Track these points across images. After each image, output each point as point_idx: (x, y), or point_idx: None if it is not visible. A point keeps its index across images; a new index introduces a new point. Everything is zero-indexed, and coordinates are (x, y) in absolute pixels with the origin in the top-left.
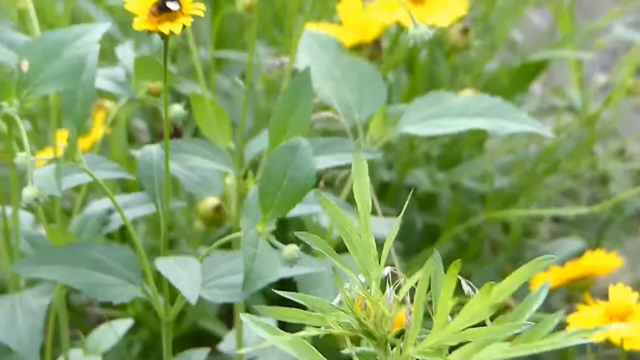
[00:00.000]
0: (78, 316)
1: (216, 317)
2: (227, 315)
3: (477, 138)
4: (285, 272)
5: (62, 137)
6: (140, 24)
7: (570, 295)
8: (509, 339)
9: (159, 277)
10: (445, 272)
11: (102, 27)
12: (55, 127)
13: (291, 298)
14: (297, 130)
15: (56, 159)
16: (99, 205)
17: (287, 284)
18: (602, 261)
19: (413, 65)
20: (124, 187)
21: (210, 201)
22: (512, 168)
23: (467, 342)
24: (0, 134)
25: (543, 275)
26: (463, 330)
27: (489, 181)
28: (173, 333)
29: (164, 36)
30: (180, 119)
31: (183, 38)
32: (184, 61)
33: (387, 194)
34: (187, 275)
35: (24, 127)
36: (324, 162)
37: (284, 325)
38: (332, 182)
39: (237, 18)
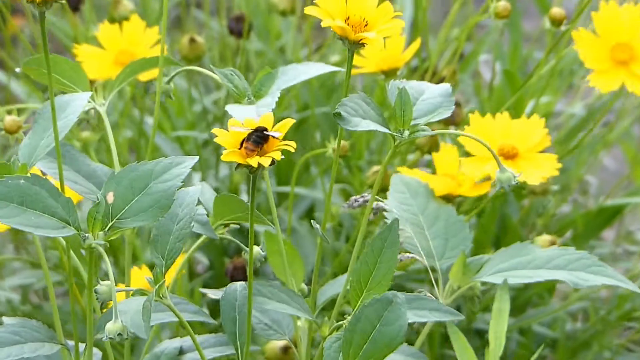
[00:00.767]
0: None
1: None
2: None
3: (549, 284)
4: None
5: (135, 273)
6: (229, 156)
7: None
8: None
9: None
10: None
11: (190, 160)
12: (129, 260)
13: None
14: (382, 282)
15: (144, 294)
16: (170, 344)
17: None
18: None
19: (484, 206)
20: None
21: (279, 342)
22: (583, 313)
23: None
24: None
25: None
26: None
27: (560, 326)
28: None
29: (252, 170)
30: (259, 260)
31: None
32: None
33: None
34: None
35: (108, 260)
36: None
37: None
38: None
39: (299, 151)
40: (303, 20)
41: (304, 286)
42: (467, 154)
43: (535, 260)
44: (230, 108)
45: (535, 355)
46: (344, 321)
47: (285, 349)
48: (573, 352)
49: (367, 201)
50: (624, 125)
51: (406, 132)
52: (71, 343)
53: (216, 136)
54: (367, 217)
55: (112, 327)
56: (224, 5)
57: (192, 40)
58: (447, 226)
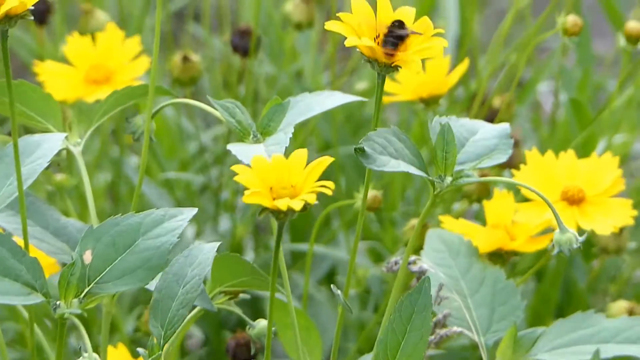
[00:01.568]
0: None
1: None
2: None
3: None
4: None
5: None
6: (252, 197)
7: None
8: None
9: None
10: None
11: (187, 213)
12: (105, 335)
13: None
14: (412, 355)
15: None
16: None
17: None
18: None
19: (544, 269)
20: None
21: None
22: None
23: None
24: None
25: None
26: None
27: None
28: None
29: (279, 216)
30: (263, 336)
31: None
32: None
33: None
34: None
35: (85, 334)
36: None
37: None
38: None
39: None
40: (325, 37)
41: None
42: (525, 200)
43: (601, 333)
44: (232, 147)
45: None
46: None
47: None
48: None
49: (410, 263)
50: None
51: (448, 179)
52: None
53: (236, 174)
54: (401, 280)
55: None
56: (227, 18)
57: (186, 59)
58: (494, 292)
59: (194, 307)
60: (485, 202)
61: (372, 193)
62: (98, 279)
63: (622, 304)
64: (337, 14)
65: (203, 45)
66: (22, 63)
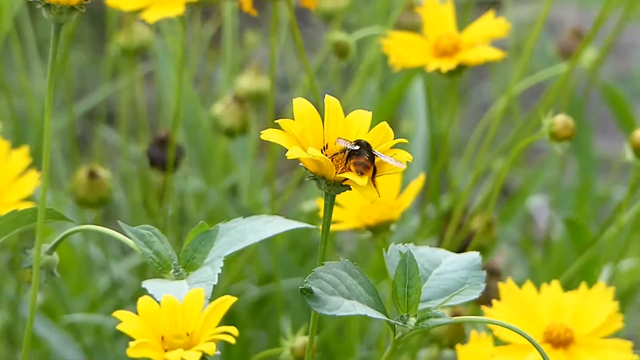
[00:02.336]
0: None
1: None
2: None
3: None
4: None
5: None
6: (138, 350)
7: None
8: None
9: None
10: None
11: None
12: None
13: None
14: None
15: None
16: None
17: None
18: None
19: None
20: None
21: None
22: None
23: None
24: None
25: None
26: None
27: None
28: None
29: None
30: None
31: None
32: None
33: None
34: None
35: None
36: None
37: None
38: None
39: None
40: (265, 143)
41: None
42: (503, 342)
43: None
44: (149, 285)
45: None
46: None
47: None
48: None
49: None
50: None
51: (412, 320)
52: None
53: (120, 322)
54: None
55: None
56: (144, 119)
57: (93, 175)
58: None
59: None
60: (459, 348)
61: (301, 340)
62: None
63: None
64: (277, 120)
65: (118, 153)
66: None
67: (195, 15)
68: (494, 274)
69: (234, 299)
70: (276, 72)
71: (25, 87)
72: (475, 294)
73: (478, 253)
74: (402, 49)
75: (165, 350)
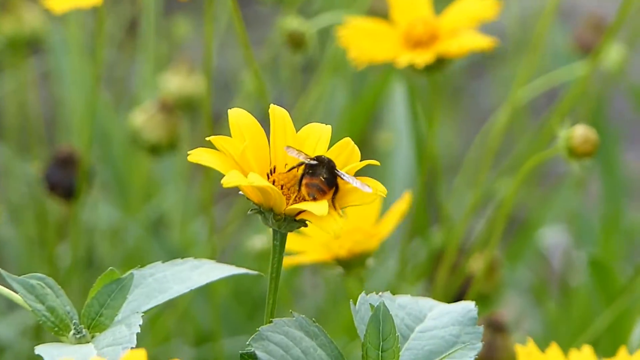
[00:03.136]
0: None
1: None
2: None
3: None
4: None
5: None
6: None
7: None
8: None
9: None
10: None
11: None
12: None
13: None
14: None
15: None
16: None
17: None
18: None
19: None
20: None
21: None
22: None
23: None
24: None
25: None
26: None
27: None
28: None
29: None
30: None
31: None
32: None
33: None
34: None
35: None
36: None
37: None
38: None
39: None
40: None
41: None
42: None
43: None
44: (43, 350)
45: None
46: None
47: None
48: None
49: None
50: None
51: None
52: None
53: None
54: None
55: None
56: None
57: None
58: None
59: None
60: None
61: None
62: None
63: None
64: (209, 138)
65: (5, 174)
66: None
67: None
68: (499, 330)
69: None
70: (213, 71)
71: None
72: (470, 357)
73: (473, 303)
74: (365, 40)
75: None
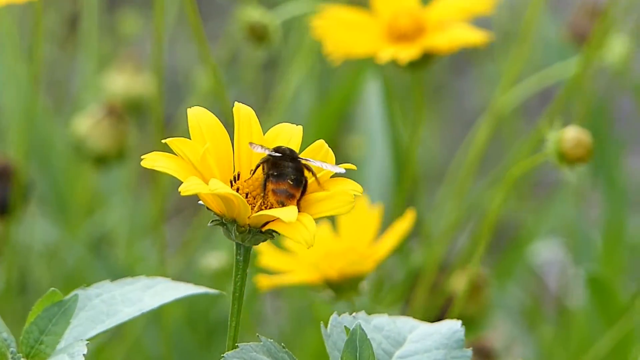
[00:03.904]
0: None
1: None
2: None
3: None
4: None
5: None
6: None
7: None
8: None
9: None
10: None
11: None
12: None
13: None
14: None
15: None
16: None
17: None
18: None
19: None
20: None
21: None
22: None
23: None
24: None
25: None
26: None
27: None
28: None
29: None
30: None
31: None
32: None
33: None
34: None
35: None
36: None
37: None
38: None
39: None
40: (149, 175)
41: None
42: None
43: None
44: None
45: None
46: None
47: None
48: None
49: None
50: None
51: None
52: None
53: None
54: None
55: None
56: None
57: None
58: None
59: None
60: None
61: None
62: None
63: None
64: (165, 140)
65: None
66: None
67: None
68: (486, 356)
69: None
70: (164, 69)
71: None
72: None
73: (459, 323)
74: (343, 32)
75: None
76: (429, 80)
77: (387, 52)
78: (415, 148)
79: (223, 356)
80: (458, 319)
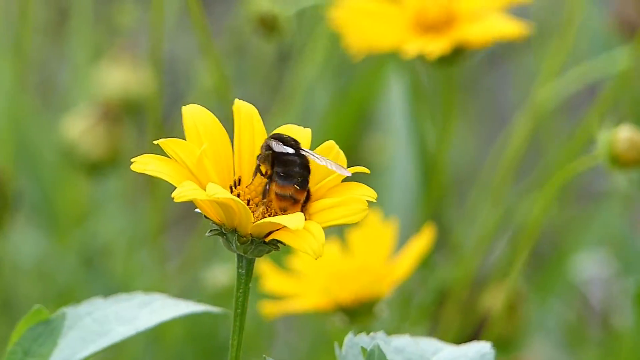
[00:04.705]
0: None
1: None
2: None
3: None
4: None
5: None
6: None
7: None
8: None
9: None
10: None
11: None
12: None
13: None
14: None
15: None
16: None
17: None
18: None
19: None
20: None
21: None
22: None
23: None
24: None
25: None
26: None
27: None
28: None
29: None
30: None
31: None
32: None
33: None
34: None
35: None
36: None
37: None
38: None
39: None
40: (146, 180)
41: None
42: None
43: None
44: None
45: None
46: None
47: None
48: None
49: None
50: None
51: None
52: None
53: None
54: None
55: None
56: None
57: None
58: None
59: None
60: None
61: None
62: None
63: None
64: (158, 141)
65: None
66: None
67: None
68: None
69: None
70: (163, 62)
71: None
72: None
73: (489, 344)
74: (364, 23)
75: None
76: (459, 73)
77: (413, 46)
78: (444, 153)
79: None
80: (493, 340)
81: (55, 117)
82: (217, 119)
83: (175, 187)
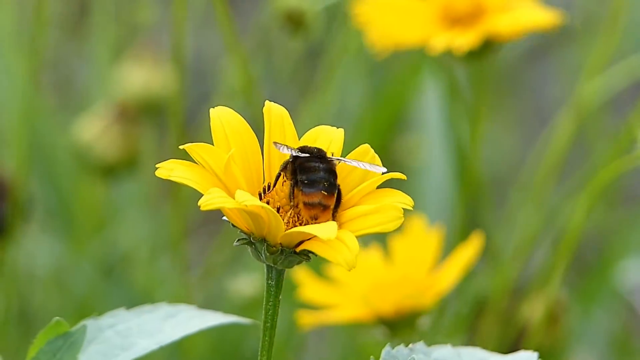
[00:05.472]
0: None
1: None
2: None
3: None
4: None
5: None
6: None
7: None
8: None
9: None
10: None
11: None
12: None
13: None
14: None
15: None
16: None
17: None
18: None
19: None
20: None
21: None
22: None
23: None
24: None
25: None
26: None
27: None
28: None
29: None
30: None
31: None
32: None
33: None
34: None
35: None
36: None
37: None
38: None
39: None
40: (168, 186)
41: None
42: None
43: None
44: None
45: None
46: None
47: None
48: None
49: None
50: None
51: None
52: None
53: None
54: None
55: None
56: None
57: None
58: None
59: None
60: None
61: None
62: None
63: None
64: (183, 146)
65: None
66: None
67: None
68: None
69: None
70: (187, 61)
71: None
72: None
73: (535, 354)
74: (389, 18)
75: None
76: (499, 69)
77: (441, 40)
78: (476, 152)
79: None
80: (534, 350)
81: (73, 118)
82: (245, 122)
83: (202, 194)
